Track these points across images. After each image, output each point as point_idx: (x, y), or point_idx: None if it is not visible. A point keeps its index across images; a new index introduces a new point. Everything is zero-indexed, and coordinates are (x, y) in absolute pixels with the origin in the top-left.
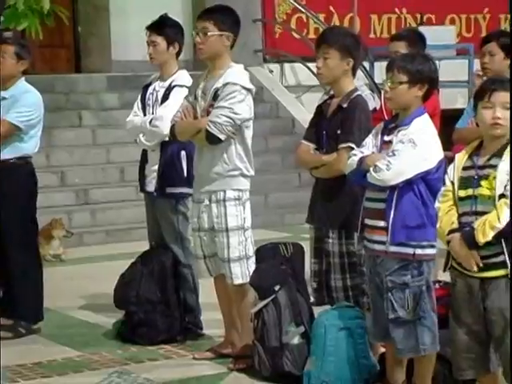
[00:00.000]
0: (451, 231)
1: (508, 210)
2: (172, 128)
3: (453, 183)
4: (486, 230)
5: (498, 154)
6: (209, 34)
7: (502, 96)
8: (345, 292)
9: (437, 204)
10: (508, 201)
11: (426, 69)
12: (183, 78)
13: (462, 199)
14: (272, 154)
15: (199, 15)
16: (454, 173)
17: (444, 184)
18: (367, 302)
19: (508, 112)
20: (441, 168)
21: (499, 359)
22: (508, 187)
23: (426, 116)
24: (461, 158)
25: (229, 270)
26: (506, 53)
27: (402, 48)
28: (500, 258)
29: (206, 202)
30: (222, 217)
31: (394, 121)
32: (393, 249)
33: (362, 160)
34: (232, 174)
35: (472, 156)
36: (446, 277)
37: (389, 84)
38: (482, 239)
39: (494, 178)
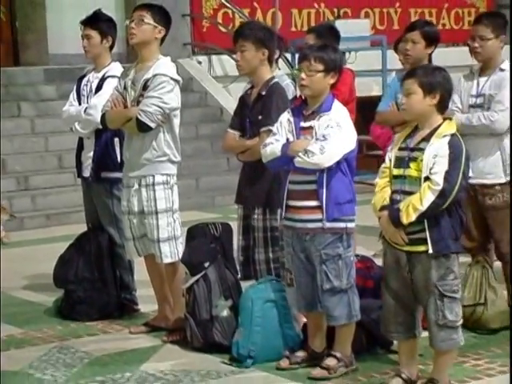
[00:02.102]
0: (382, 208)
1: (431, 194)
2: (103, 117)
3: (391, 161)
4: (409, 211)
5: (427, 139)
6: (145, 20)
7: (405, 84)
8: (267, 264)
9: (376, 179)
10: (432, 184)
11: (337, 58)
12: (116, 69)
13: (395, 177)
14: (202, 141)
15: (137, 6)
16: (392, 152)
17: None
18: (289, 278)
19: (412, 98)
20: (356, 147)
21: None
22: (433, 170)
23: (336, 100)
24: (399, 138)
25: (158, 249)
26: (427, 42)
27: (311, 40)
28: (423, 235)
29: (136, 186)
30: (152, 200)
31: (304, 107)
32: (328, 225)
33: (285, 147)
34: (160, 159)
35: (407, 138)
36: (363, 251)
37: (306, 73)
38: (405, 220)
39: (421, 160)
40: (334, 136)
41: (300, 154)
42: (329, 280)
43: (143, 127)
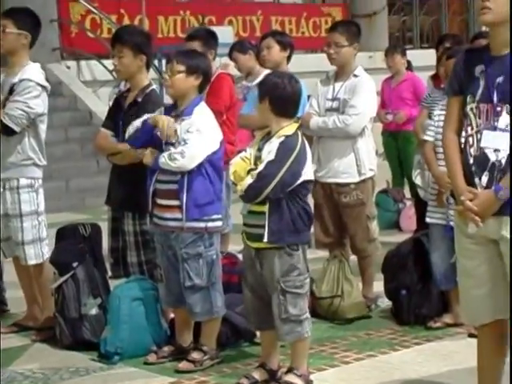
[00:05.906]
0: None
1: (249, 177)
2: None
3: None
4: (238, 177)
5: (269, 140)
6: (7, 30)
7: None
8: (140, 267)
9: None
10: (254, 172)
11: (201, 62)
12: None
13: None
14: (72, 144)
15: (2, 14)
16: (251, 152)
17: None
18: (159, 273)
19: (259, 107)
20: (221, 147)
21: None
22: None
23: (202, 103)
24: (256, 140)
25: (23, 251)
26: (281, 47)
27: (198, 47)
28: (261, 231)
29: (1, 189)
30: (16, 203)
31: (172, 110)
32: (188, 225)
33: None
34: (25, 163)
35: (261, 140)
36: (233, 248)
37: (169, 73)
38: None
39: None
40: (194, 140)
41: (165, 156)
42: (190, 278)
43: (7, 131)
